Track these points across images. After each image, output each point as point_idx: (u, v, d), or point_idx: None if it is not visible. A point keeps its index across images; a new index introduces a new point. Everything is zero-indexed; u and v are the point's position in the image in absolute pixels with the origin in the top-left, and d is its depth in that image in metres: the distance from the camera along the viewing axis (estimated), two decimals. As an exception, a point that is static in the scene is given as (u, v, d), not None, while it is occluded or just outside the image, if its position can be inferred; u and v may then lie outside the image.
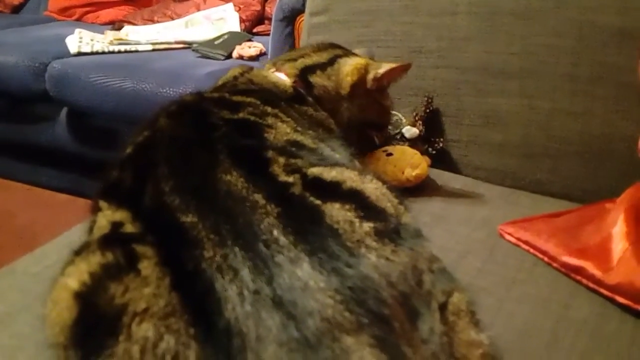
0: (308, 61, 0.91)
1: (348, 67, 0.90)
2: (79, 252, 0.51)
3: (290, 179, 0.54)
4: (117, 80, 1.78)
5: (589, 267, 0.72)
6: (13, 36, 2.19)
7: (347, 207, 0.52)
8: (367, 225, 0.50)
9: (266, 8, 2.36)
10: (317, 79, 0.89)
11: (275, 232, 0.47)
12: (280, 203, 0.50)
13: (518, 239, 0.80)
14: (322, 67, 0.90)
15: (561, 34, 0.97)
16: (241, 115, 0.69)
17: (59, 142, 2.01)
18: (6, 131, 2.11)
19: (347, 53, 0.94)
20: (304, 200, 0.52)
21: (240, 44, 2.01)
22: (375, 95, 0.93)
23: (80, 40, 2.01)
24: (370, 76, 0.91)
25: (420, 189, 0.93)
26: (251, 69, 0.90)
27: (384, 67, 0.90)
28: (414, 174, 0.92)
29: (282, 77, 0.87)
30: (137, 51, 2.02)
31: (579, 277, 0.72)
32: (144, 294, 0.44)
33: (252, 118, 0.68)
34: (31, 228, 1.89)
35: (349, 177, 0.58)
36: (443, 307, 0.52)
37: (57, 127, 2.00)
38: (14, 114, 2.07)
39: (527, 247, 0.79)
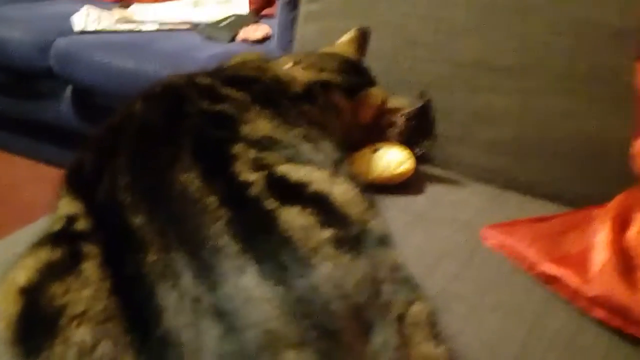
0: (333, 80, 0.90)
1: (368, 107, 0.92)
2: (35, 245, 0.51)
3: (252, 178, 0.52)
4: (119, 60, 1.77)
5: (568, 276, 0.69)
6: (20, 12, 2.18)
7: (309, 211, 0.50)
8: (327, 232, 0.49)
9: (275, -10, 2.33)
10: (339, 96, 0.89)
11: (223, 239, 0.45)
12: (233, 207, 0.48)
13: (499, 243, 0.78)
14: (345, 91, 0.90)
15: (559, 31, 0.94)
16: (219, 107, 0.67)
17: (64, 119, 2.00)
18: (12, 106, 2.10)
19: (369, 82, 0.95)
20: (259, 204, 0.50)
21: (246, 26, 1.98)
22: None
23: (87, 17, 2.00)
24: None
25: (406, 186, 0.91)
26: (268, 59, 0.90)
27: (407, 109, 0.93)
28: (400, 170, 0.90)
29: (298, 77, 0.86)
30: (141, 31, 2.00)
31: (556, 287, 0.70)
32: (82, 296, 0.43)
33: (230, 111, 0.66)
34: (34, 203, 1.90)
35: (318, 178, 0.56)
36: (401, 319, 0.50)
37: (62, 104, 1.99)
38: (20, 89, 2.07)
39: (508, 252, 0.77)
